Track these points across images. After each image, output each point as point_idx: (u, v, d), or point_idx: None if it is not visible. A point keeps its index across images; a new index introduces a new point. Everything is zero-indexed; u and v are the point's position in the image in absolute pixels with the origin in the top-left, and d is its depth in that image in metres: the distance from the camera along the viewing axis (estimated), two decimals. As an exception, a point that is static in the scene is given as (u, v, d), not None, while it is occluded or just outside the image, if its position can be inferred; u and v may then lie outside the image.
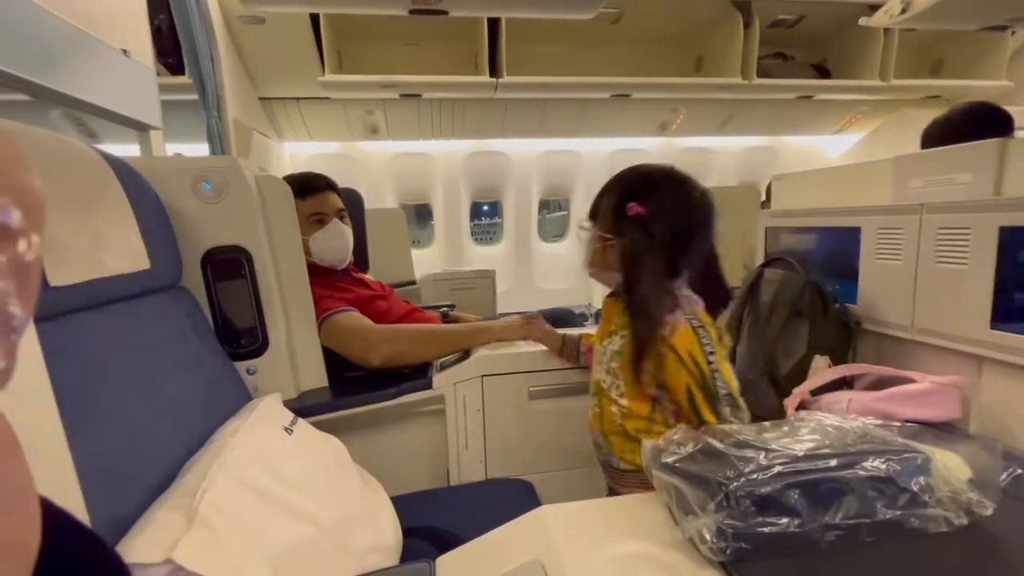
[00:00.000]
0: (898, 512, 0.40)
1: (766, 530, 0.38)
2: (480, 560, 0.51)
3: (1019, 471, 0.52)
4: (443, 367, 1.20)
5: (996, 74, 2.82)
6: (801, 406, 0.95)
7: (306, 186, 1.31)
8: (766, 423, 0.53)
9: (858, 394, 0.94)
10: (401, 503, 0.89)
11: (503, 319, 1.34)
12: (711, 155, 3.57)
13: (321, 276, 1.27)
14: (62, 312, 0.61)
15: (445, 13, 1.40)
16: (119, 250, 0.74)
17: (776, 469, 0.41)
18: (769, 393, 1.12)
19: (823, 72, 2.95)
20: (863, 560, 0.40)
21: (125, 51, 1.14)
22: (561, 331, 1.21)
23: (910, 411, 0.83)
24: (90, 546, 0.19)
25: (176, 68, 1.99)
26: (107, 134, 2.46)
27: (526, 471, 1.19)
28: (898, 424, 0.60)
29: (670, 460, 0.46)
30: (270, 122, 2.75)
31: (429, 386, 1.17)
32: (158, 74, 1.34)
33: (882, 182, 1.13)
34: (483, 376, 1.18)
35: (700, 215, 0.86)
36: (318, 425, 0.94)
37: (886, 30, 2.59)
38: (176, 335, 0.87)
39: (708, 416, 0.78)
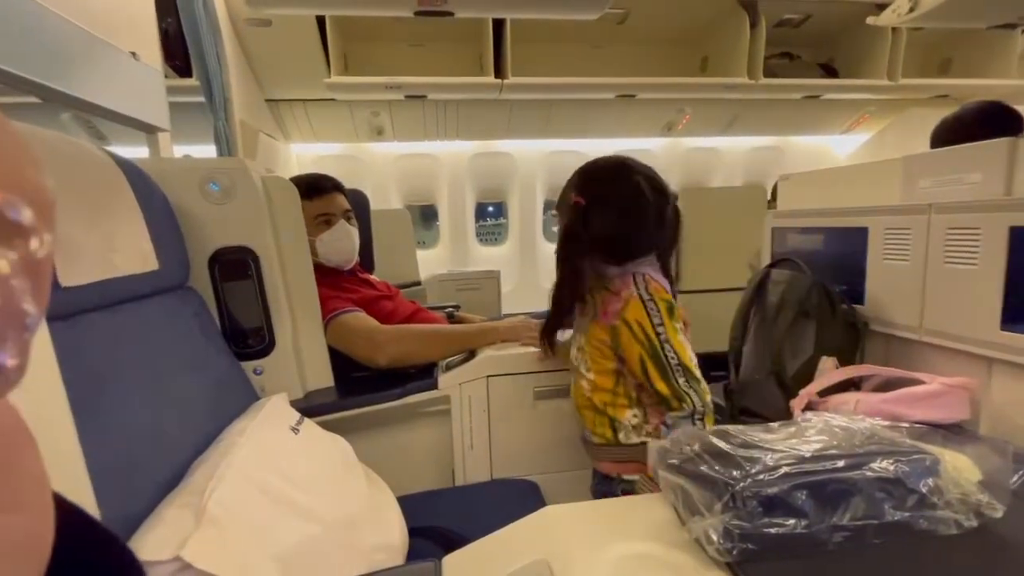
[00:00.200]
0: (907, 514, 0.39)
1: (773, 531, 0.38)
2: (486, 559, 0.51)
3: (1030, 473, 0.52)
4: (449, 367, 1.20)
5: (1006, 73, 2.80)
6: (808, 407, 0.94)
7: (313, 187, 1.32)
8: (773, 424, 0.52)
9: (866, 395, 0.93)
10: (407, 503, 0.89)
11: (508, 319, 1.34)
12: (717, 155, 3.56)
13: (327, 276, 1.27)
14: (73, 312, 0.62)
15: (451, 14, 1.41)
16: (129, 251, 0.75)
17: (783, 470, 0.40)
18: (776, 394, 1.11)
19: (830, 72, 2.94)
20: (871, 561, 0.40)
21: (134, 54, 1.16)
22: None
23: (919, 413, 0.82)
24: (104, 542, 0.19)
25: (184, 70, 2.00)
26: (116, 136, 2.49)
27: (531, 471, 1.19)
28: (906, 425, 0.60)
29: (676, 460, 0.46)
30: (276, 124, 2.76)
31: (435, 386, 1.18)
32: (166, 76, 1.35)
33: (890, 182, 1.13)
34: (488, 376, 1.18)
35: (643, 203, 0.92)
36: (324, 425, 0.94)
37: (894, 29, 2.57)
38: (184, 335, 0.88)
39: (660, 385, 0.86)
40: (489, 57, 2.45)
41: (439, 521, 0.91)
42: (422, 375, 1.22)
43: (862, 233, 1.12)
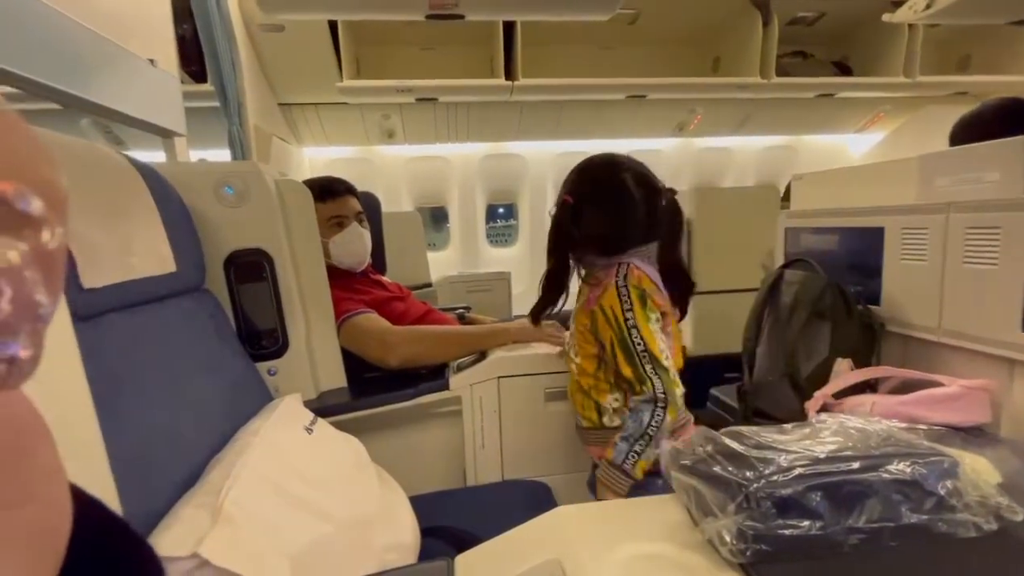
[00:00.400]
0: (924, 516, 0.39)
1: (787, 532, 0.38)
2: (498, 559, 0.51)
3: (1052, 477, 0.50)
4: (460, 368, 1.20)
5: (1026, 69, 2.74)
6: (823, 409, 0.93)
7: (325, 190, 1.33)
8: (786, 425, 0.52)
9: (882, 397, 0.92)
10: (419, 503, 0.89)
11: (519, 320, 1.34)
12: (729, 155, 3.53)
13: (340, 278, 1.29)
14: (95, 313, 0.64)
15: (461, 17, 1.41)
16: (147, 253, 0.76)
17: (797, 471, 0.40)
18: (790, 396, 1.10)
19: (844, 70, 2.90)
20: (888, 564, 0.39)
21: (152, 61, 1.18)
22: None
23: (937, 415, 0.81)
24: (122, 534, 0.19)
25: (199, 76, 2.04)
26: (133, 141, 2.53)
27: (543, 473, 1.19)
28: (924, 427, 0.58)
29: (689, 461, 0.46)
30: (289, 127, 2.80)
31: (446, 387, 1.18)
32: (182, 82, 1.37)
33: (906, 181, 1.11)
34: (499, 377, 1.18)
35: (629, 200, 0.96)
36: (337, 425, 0.95)
37: (910, 26, 2.53)
38: (200, 336, 0.89)
39: (624, 368, 0.90)
40: (499, 59, 2.46)
41: (451, 521, 0.91)
42: (433, 376, 1.22)
43: (878, 233, 1.10)
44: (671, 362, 0.92)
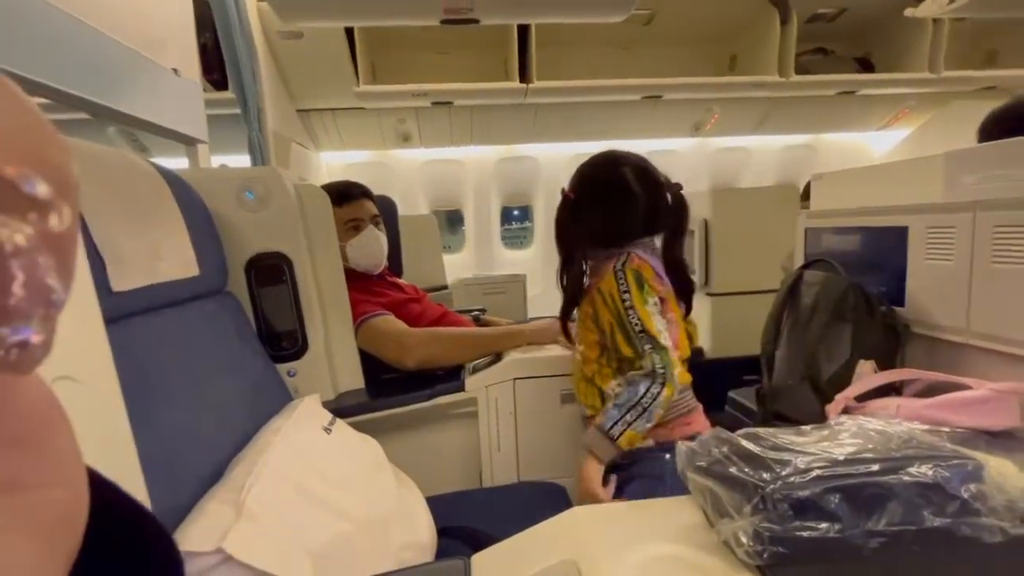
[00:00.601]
0: (947, 520, 0.38)
1: (805, 534, 0.37)
2: (514, 559, 0.51)
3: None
4: (475, 370, 1.21)
5: (1057, 62, 2.65)
6: (845, 412, 0.91)
7: (343, 194, 1.35)
8: (805, 427, 0.51)
9: (908, 401, 0.89)
10: (435, 503, 0.90)
11: (534, 322, 1.34)
12: (747, 155, 3.48)
13: (357, 281, 1.30)
14: (122, 315, 0.66)
15: (476, 21, 1.43)
16: (173, 257, 0.79)
17: (815, 472, 0.40)
18: (810, 399, 1.08)
19: (866, 66, 2.84)
20: (910, 568, 0.38)
21: (175, 70, 1.21)
22: None
23: (965, 419, 0.78)
24: (139, 517, 0.19)
25: (220, 84, 2.09)
26: (158, 148, 2.61)
27: (558, 474, 1.18)
28: (947, 430, 0.57)
29: (705, 463, 0.46)
30: (307, 133, 2.85)
31: (462, 388, 1.19)
32: (204, 90, 1.41)
33: (931, 179, 1.08)
34: (515, 379, 1.18)
35: (629, 194, 0.98)
36: (355, 425, 0.96)
37: (935, 20, 2.47)
38: (222, 338, 0.91)
39: (624, 348, 0.92)
40: (514, 62, 2.47)
41: (467, 521, 0.92)
42: (450, 377, 1.23)
43: (901, 232, 1.08)
44: (671, 343, 0.92)
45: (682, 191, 1.03)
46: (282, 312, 1.09)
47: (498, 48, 2.55)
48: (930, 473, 0.39)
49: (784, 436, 0.47)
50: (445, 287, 2.59)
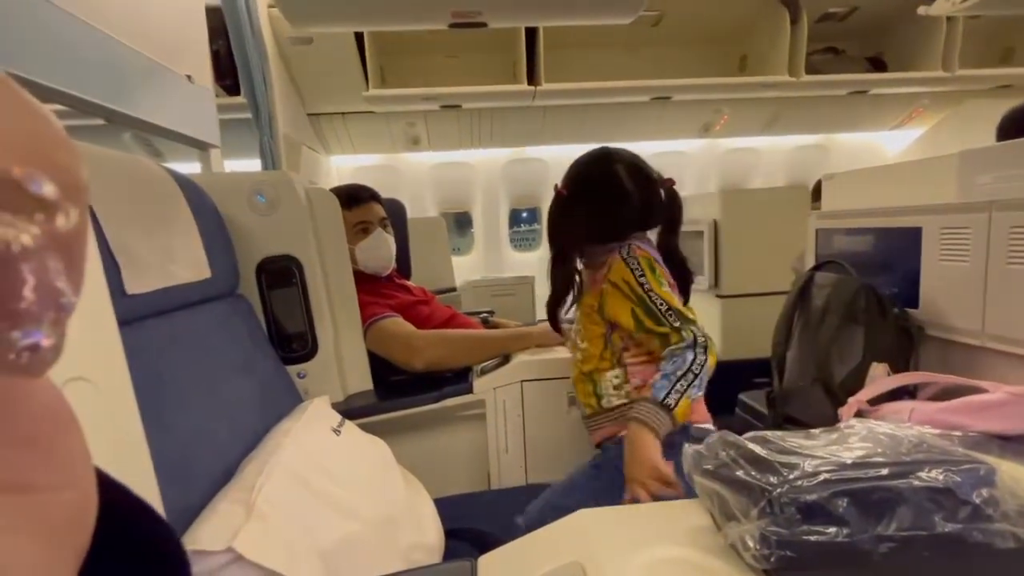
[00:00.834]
0: (959, 525, 0.37)
1: (812, 538, 0.37)
2: (521, 560, 0.51)
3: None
4: (483, 372, 1.21)
5: (1076, 59, 2.60)
6: (858, 415, 0.90)
7: (351, 197, 1.36)
8: (813, 430, 0.51)
9: (922, 404, 0.88)
10: (443, 505, 0.90)
11: (542, 324, 1.34)
12: (757, 155, 3.45)
13: (366, 283, 1.31)
14: (136, 318, 0.67)
15: (484, 25, 1.43)
16: (185, 261, 0.80)
17: (823, 476, 0.39)
18: (822, 402, 1.07)
19: (879, 65, 2.80)
20: (921, 574, 0.38)
21: (189, 76, 1.23)
22: None
23: (981, 423, 0.77)
24: (147, 518, 0.19)
25: (232, 89, 2.12)
26: (171, 153, 2.65)
27: (566, 477, 1.18)
28: (959, 434, 0.56)
29: (712, 466, 0.46)
30: (318, 137, 2.87)
31: (470, 390, 1.19)
32: (216, 96, 1.43)
33: (945, 179, 1.07)
34: (523, 381, 1.19)
35: (621, 190, 0.98)
36: (364, 427, 0.97)
37: (949, 18, 2.44)
38: (234, 340, 0.93)
39: (655, 327, 0.90)
40: (522, 64, 2.47)
41: (475, 523, 0.92)
42: (458, 379, 1.23)
43: (915, 233, 1.07)
44: (695, 318, 0.91)
45: (674, 186, 1.04)
46: (292, 314, 1.10)
47: (506, 51, 2.56)
48: (941, 477, 0.39)
49: (792, 439, 0.47)
50: (454, 289, 2.59)
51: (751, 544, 0.39)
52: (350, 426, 0.92)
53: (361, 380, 1.22)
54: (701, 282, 2.18)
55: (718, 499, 0.45)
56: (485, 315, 1.75)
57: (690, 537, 0.46)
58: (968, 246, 0.95)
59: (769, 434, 0.48)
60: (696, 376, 0.85)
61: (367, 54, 2.33)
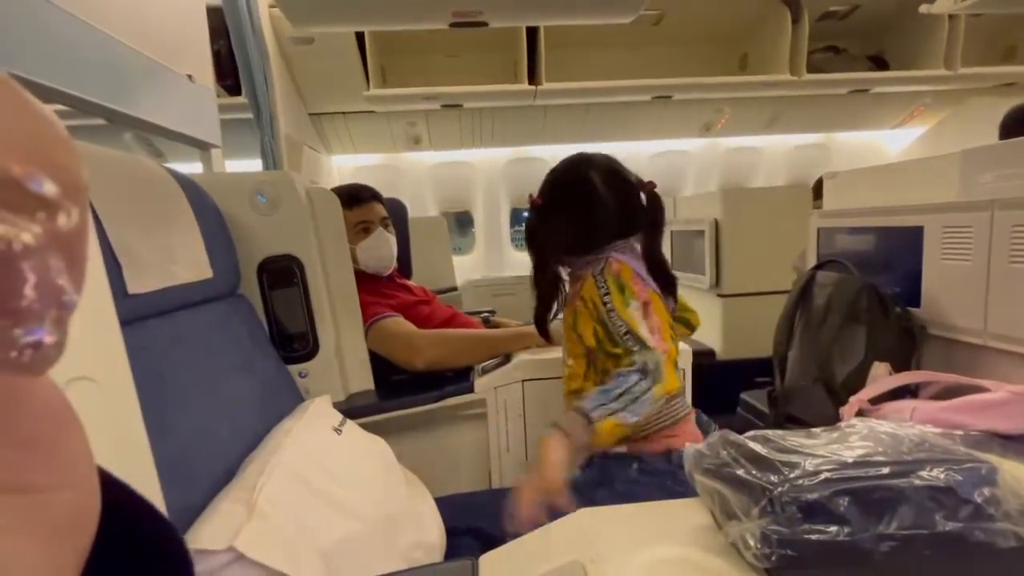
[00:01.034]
0: (960, 524, 0.37)
1: (813, 537, 0.37)
2: (522, 559, 0.51)
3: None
4: (484, 371, 1.21)
5: (1079, 58, 2.59)
6: (859, 415, 0.90)
7: (352, 197, 1.36)
8: (815, 429, 0.51)
9: (924, 403, 0.88)
10: (444, 504, 0.91)
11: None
12: (759, 155, 3.45)
13: (367, 283, 1.31)
14: (137, 318, 0.67)
15: (485, 24, 1.43)
16: (187, 261, 0.80)
17: (824, 475, 0.39)
18: (824, 401, 1.07)
19: (880, 64, 2.80)
20: (922, 574, 0.38)
21: (190, 76, 1.24)
22: None
23: (983, 422, 0.77)
24: (149, 517, 0.19)
25: (234, 89, 2.12)
26: (172, 153, 2.65)
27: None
28: (960, 433, 0.56)
29: (712, 464, 0.46)
30: (319, 137, 2.87)
31: (471, 390, 1.19)
32: (217, 96, 1.43)
33: (947, 177, 1.07)
34: (524, 380, 1.19)
35: (595, 197, 0.96)
36: (365, 426, 0.97)
37: (950, 16, 2.43)
38: (235, 340, 0.93)
39: (610, 347, 0.89)
40: (523, 64, 2.47)
41: (475, 522, 0.92)
42: (459, 379, 1.23)
43: (917, 232, 1.06)
44: (663, 346, 0.88)
45: (655, 189, 1.00)
46: (293, 314, 1.10)
47: (507, 50, 2.56)
48: (942, 476, 0.39)
49: (793, 438, 0.47)
50: (455, 289, 2.59)
51: (752, 543, 0.39)
52: (351, 425, 0.92)
53: (362, 379, 1.22)
54: (702, 281, 2.18)
55: (719, 498, 0.45)
56: (486, 315, 1.76)
57: (691, 536, 0.46)
58: (970, 245, 0.95)
59: (770, 433, 0.48)
60: (633, 400, 0.82)
61: (368, 54, 2.33)
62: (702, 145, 3.35)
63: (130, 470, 0.43)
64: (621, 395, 0.82)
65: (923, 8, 1.66)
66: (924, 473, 0.39)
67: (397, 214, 1.68)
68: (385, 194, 1.48)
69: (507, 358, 1.24)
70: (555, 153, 3.30)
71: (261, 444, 0.76)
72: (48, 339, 0.12)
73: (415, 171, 3.31)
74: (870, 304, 1.06)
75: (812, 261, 1.34)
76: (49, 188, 0.12)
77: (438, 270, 2.49)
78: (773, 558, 0.38)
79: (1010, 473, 0.40)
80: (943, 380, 0.93)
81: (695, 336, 2.34)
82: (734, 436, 0.48)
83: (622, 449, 0.93)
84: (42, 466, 0.13)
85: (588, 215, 0.97)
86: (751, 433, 0.48)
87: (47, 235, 0.12)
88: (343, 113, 2.75)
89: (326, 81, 2.45)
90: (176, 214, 0.82)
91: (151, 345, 0.68)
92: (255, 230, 1.05)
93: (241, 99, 1.71)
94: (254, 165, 1.72)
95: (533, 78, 2.48)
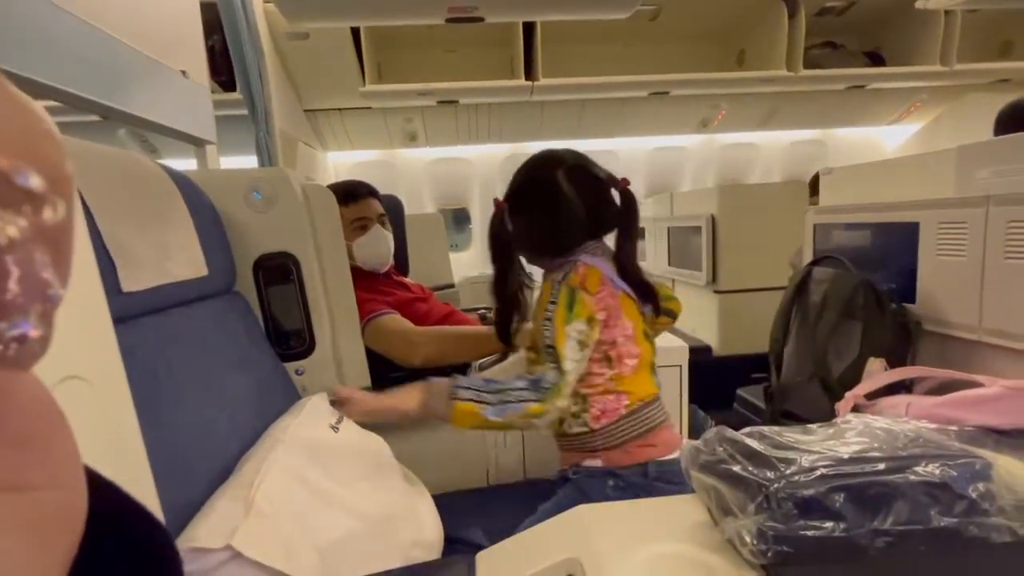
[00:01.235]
0: (955, 520, 0.37)
1: (809, 534, 0.37)
2: (519, 556, 0.51)
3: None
4: (482, 368, 1.21)
5: (1074, 53, 2.60)
6: (855, 410, 0.91)
7: (349, 193, 1.36)
8: (811, 425, 0.51)
9: (918, 398, 0.89)
10: (441, 501, 0.91)
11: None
12: (755, 151, 3.45)
13: (364, 280, 1.31)
14: (132, 316, 0.67)
15: (481, 20, 1.43)
16: (182, 258, 0.80)
17: (819, 471, 0.39)
18: (820, 397, 1.08)
19: (877, 59, 2.80)
20: (917, 568, 0.38)
21: (184, 72, 1.23)
22: None
23: (977, 417, 0.77)
24: (137, 517, 0.19)
25: (228, 85, 2.11)
26: (167, 149, 2.64)
27: (565, 472, 1.18)
28: (955, 429, 0.56)
29: (708, 461, 0.46)
30: (315, 133, 2.86)
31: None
32: (212, 92, 1.42)
33: (943, 174, 1.07)
34: (521, 377, 1.18)
35: (560, 199, 0.91)
36: (362, 424, 0.97)
37: (947, 12, 2.43)
38: (231, 337, 0.92)
39: (534, 356, 0.88)
40: (520, 59, 2.46)
41: (473, 519, 0.92)
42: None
43: (912, 228, 1.07)
44: (573, 373, 0.84)
45: (629, 187, 0.94)
46: (290, 311, 1.09)
47: (504, 46, 2.55)
48: (937, 472, 0.39)
49: (789, 435, 0.47)
50: (452, 286, 2.59)
51: (748, 539, 0.39)
52: (348, 423, 0.92)
53: (359, 377, 1.22)
54: (699, 277, 2.19)
55: (715, 494, 0.45)
56: (483, 311, 1.75)
57: (687, 532, 0.46)
58: (965, 241, 0.96)
59: (766, 429, 0.48)
60: (505, 402, 0.80)
61: (364, 49, 2.31)
62: (699, 141, 3.35)
63: (124, 469, 0.43)
64: (500, 391, 0.81)
65: (919, 3, 1.66)
66: (919, 469, 0.39)
67: (394, 211, 1.68)
68: (381, 190, 1.47)
69: (504, 355, 1.24)
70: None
71: (258, 442, 0.76)
72: (33, 333, 0.12)
73: (412, 168, 3.30)
74: (866, 300, 1.06)
75: (808, 257, 1.34)
76: (35, 181, 0.12)
77: (435, 267, 2.49)
78: (769, 554, 0.38)
79: (1004, 468, 0.40)
80: (938, 375, 0.93)
81: (691, 333, 2.36)
82: (731, 433, 0.48)
83: (596, 463, 0.91)
84: (37, 464, 0.13)
85: (554, 216, 0.91)
86: (747, 429, 0.48)
87: (32, 229, 0.12)
88: (339, 109, 2.73)
89: (322, 77, 2.43)
90: (171, 211, 0.81)
91: (146, 343, 0.67)
92: (250, 227, 1.05)
93: (236, 95, 1.69)
94: (249, 162, 1.71)
95: (530, 74, 2.48)
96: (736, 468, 0.43)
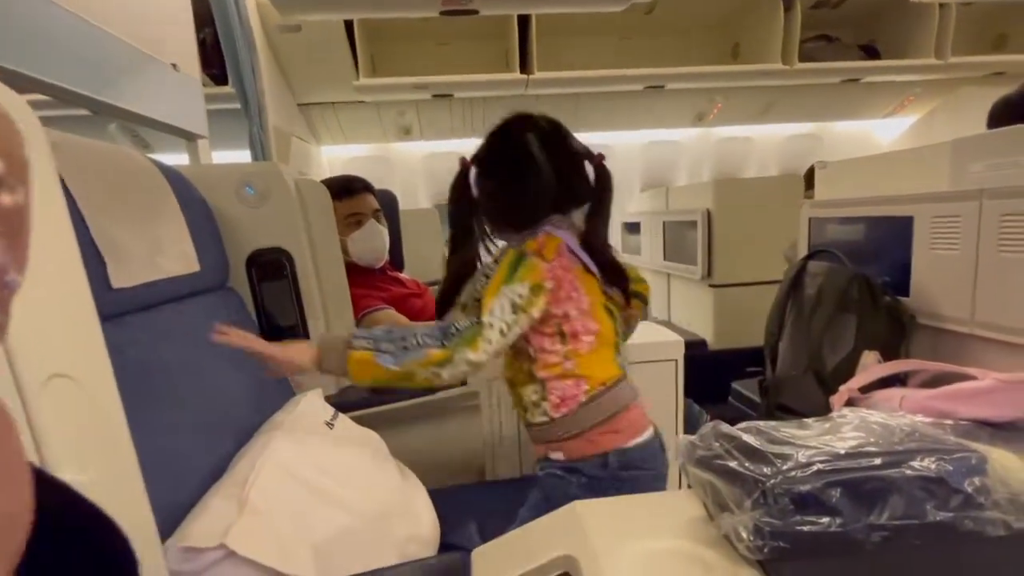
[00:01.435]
0: (950, 514, 0.38)
1: (805, 529, 0.37)
2: (514, 552, 0.51)
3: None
4: (478, 364, 1.21)
5: (1068, 46, 2.61)
6: (849, 404, 0.91)
7: (343, 188, 1.35)
8: (807, 420, 0.51)
9: (912, 392, 0.89)
10: (437, 497, 0.90)
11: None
12: (751, 144, 3.45)
13: (359, 275, 1.30)
14: (121, 312, 0.66)
15: (475, 12, 1.41)
16: (173, 254, 0.79)
17: (816, 467, 0.39)
18: (814, 390, 1.08)
19: (872, 53, 2.80)
20: (913, 563, 0.38)
21: (175, 65, 1.21)
22: None
23: (970, 410, 0.78)
24: (87, 516, 0.19)
25: (220, 78, 2.08)
26: (158, 144, 2.60)
27: (561, 467, 1.19)
28: (950, 422, 0.57)
29: (704, 456, 0.46)
30: (308, 127, 2.83)
31: (464, 383, 1.19)
32: (204, 85, 1.40)
33: (937, 167, 1.07)
34: (517, 372, 1.18)
35: (530, 164, 0.84)
36: (357, 420, 0.97)
37: (941, 5, 2.43)
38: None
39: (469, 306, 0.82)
40: (515, 53, 2.45)
41: (469, 515, 0.92)
42: (452, 371, 1.23)
43: (907, 222, 1.07)
44: (495, 335, 0.76)
45: (604, 161, 0.88)
46: (283, 307, 1.09)
47: (499, 39, 2.53)
48: (933, 466, 0.39)
49: (785, 429, 0.47)
50: (447, 281, 2.58)
51: (744, 535, 0.39)
52: (343, 419, 0.91)
53: (354, 373, 1.21)
54: (694, 272, 2.19)
55: (711, 489, 0.45)
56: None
57: (683, 528, 0.46)
58: (959, 234, 0.96)
59: (762, 424, 0.48)
60: (404, 349, 0.73)
61: (357, 42, 2.29)
62: (694, 135, 3.34)
63: (112, 468, 0.42)
64: (402, 339, 0.75)
65: (915, -3, 1.66)
66: (915, 463, 0.39)
67: (388, 206, 1.67)
68: (376, 185, 1.46)
69: (500, 350, 1.24)
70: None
71: (252, 439, 0.75)
72: None
73: (406, 162, 3.28)
74: (860, 294, 1.06)
75: (803, 251, 1.34)
76: None
77: (430, 262, 2.48)
78: (766, 550, 0.38)
79: (999, 462, 0.41)
80: (931, 368, 0.94)
81: (687, 327, 2.36)
82: (726, 428, 0.48)
83: (559, 455, 0.85)
84: None
85: (523, 181, 0.84)
86: (743, 424, 0.48)
87: None
88: (332, 103, 2.71)
89: (314, 70, 2.41)
90: (162, 206, 0.80)
91: (137, 340, 0.66)
92: (243, 222, 1.04)
93: (228, 89, 1.67)
94: (242, 156, 1.70)
95: (525, 67, 2.46)
96: (732, 464, 0.43)
